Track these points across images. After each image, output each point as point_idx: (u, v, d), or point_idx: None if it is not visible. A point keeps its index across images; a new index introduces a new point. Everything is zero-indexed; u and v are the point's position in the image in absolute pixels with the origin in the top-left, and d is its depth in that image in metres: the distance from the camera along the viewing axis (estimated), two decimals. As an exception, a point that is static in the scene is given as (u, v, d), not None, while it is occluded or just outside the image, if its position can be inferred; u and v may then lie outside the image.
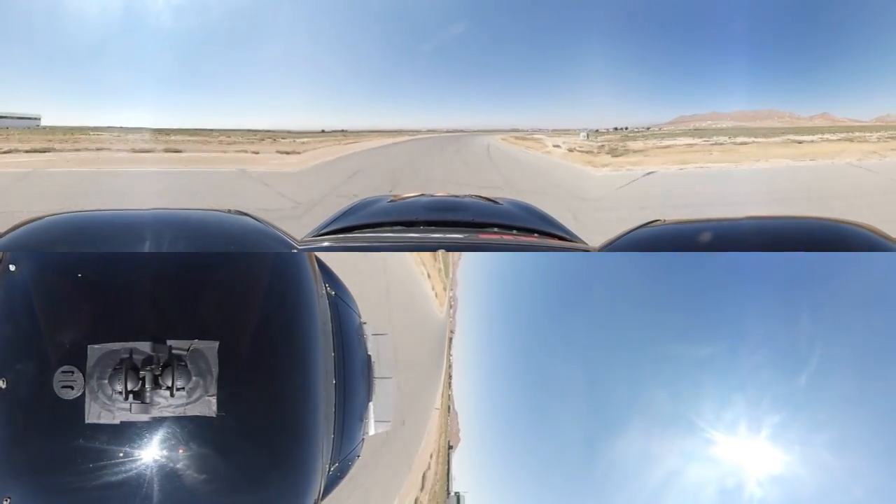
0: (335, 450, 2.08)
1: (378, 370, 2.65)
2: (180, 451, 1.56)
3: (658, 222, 2.28)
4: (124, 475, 1.54)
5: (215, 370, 1.57)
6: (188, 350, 1.55)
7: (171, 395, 1.51)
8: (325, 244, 2.19)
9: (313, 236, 2.42)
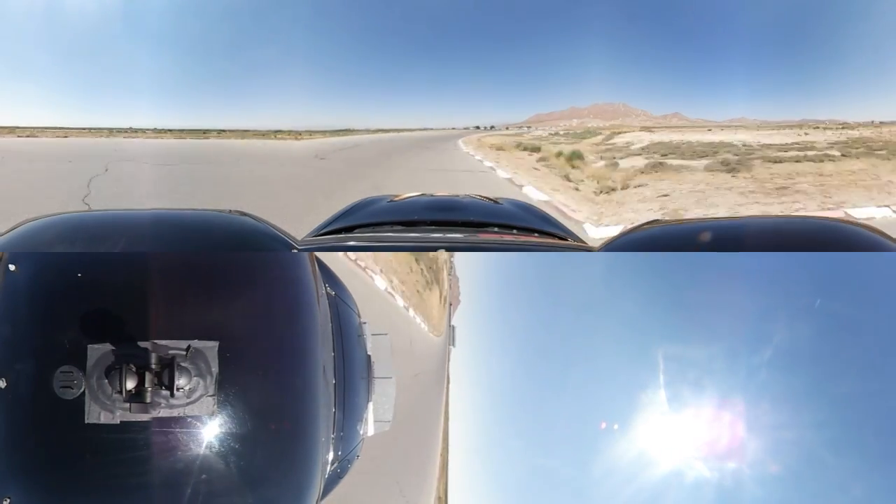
0: (335, 450, 2.08)
1: (378, 370, 2.65)
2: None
3: (657, 223, 2.28)
4: (124, 475, 1.54)
5: (215, 370, 1.57)
6: (188, 350, 1.55)
7: (172, 395, 1.51)
8: (325, 244, 2.19)
9: (313, 236, 2.42)
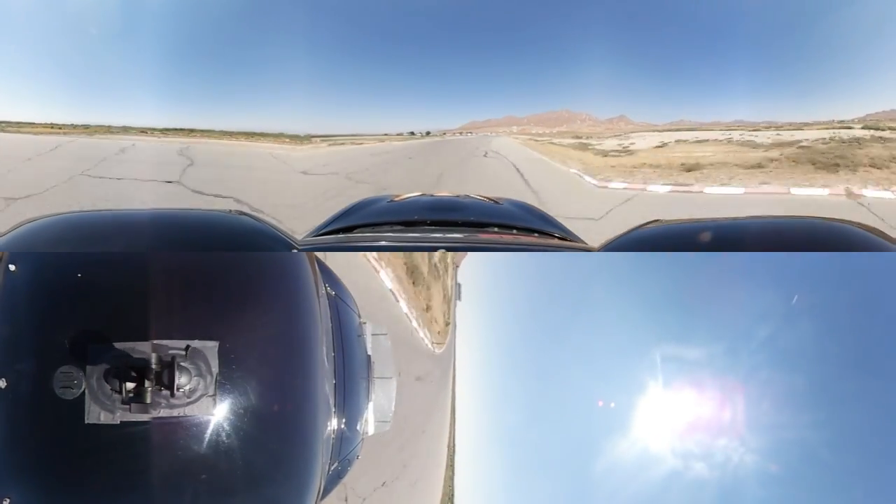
0: (335, 450, 2.08)
1: (378, 370, 2.65)
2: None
3: (657, 222, 2.27)
4: (124, 475, 1.54)
5: (215, 370, 1.57)
6: (188, 350, 1.55)
7: (172, 395, 1.51)
8: (325, 244, 2.19)
9: (313, 236, 2.42)
